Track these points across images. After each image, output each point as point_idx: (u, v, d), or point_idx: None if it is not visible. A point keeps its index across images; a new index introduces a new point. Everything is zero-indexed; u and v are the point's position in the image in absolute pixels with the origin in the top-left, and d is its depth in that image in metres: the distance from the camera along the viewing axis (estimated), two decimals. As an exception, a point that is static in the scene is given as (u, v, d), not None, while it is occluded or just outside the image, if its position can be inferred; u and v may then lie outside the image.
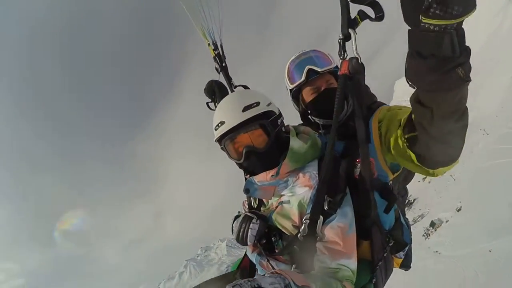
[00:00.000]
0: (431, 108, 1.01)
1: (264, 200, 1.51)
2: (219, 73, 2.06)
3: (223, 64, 2.06)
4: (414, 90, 1.04)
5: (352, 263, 1.21)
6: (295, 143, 1.38)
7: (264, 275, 1.01)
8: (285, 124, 1.52)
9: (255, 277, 0.94)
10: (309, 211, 1.28)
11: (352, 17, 1.14)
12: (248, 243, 1.38)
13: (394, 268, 1.64)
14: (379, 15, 1.13)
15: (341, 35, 1.19)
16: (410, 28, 0.88)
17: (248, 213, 1.43)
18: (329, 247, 1.22)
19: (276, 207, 1.41)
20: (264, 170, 1.38)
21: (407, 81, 1.00)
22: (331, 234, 1.23)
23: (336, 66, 1.63)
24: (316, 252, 1.24)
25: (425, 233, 25.79)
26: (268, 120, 1.35)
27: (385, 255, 1.45)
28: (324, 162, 1.30)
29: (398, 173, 1.56)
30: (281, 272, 0.99)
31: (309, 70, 1.61)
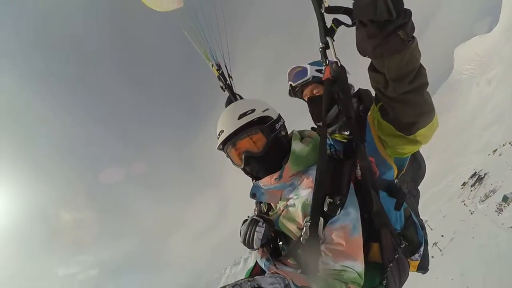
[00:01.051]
0: (383, 73, 1.07)
1: (272, 204, 1.55)
2: (224, 91, 2.18)
3: (227, 82, 2.16)
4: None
5: (357, 265, 1.19)
6: (297, 146, 1.42)
7: (264, 275, 1.01)
8: (291, 130, 1.57)
9: (255, 277, 0.94)
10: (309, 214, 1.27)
11: (329, 26, 1.21)
12: (254, 246, 1.40)
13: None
14: (355, 21, 1.15)
15: (320, 44, 1.25)
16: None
17: (255, 217, 1.48)
18: (332, 249, 1.21)
19: (283, 210, 1.43)
20: (266, 174, 1.42)
21: (358, 51, 1.06)
22: (334, 235, 1.22)
23: (313, 76, 1.76)
24: (320, 255, 1.23)
25: (497, 208, 31.58)
26: (264, 125, 1.39)
27: (396, 256, 1.41)
28: (317, 163, 1.29)
29: (403, 170, 1.59)
30: (281, 272, 1.00)
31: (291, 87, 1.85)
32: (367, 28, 0.94)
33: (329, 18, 1.21)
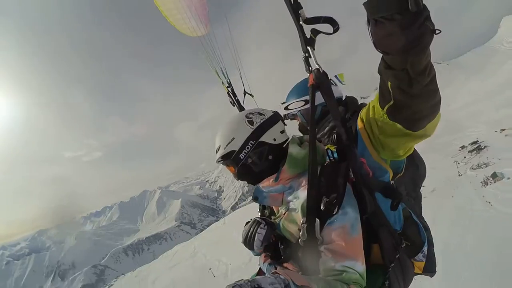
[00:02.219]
0: (405, 69, 1.03)
1: (275, 209, 1.58)
2: (234, 106, 2.32)
3: (236, 98, 2.33)
4: (381, 59, 1.08)
5: (358, 266, 1.19)
6: (293, 150, 1.44)
7: (265, 275, 1.01)
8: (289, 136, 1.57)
9: (255, 278, 0.95)
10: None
11: (308, 37, 1.27)
12: (255, 247, 1.44)
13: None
14: (336, 28, 1.22)
15: (303, 53, 1.33)
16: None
17: (257, 218, 1.52)
18: (332, 249, 1.21)
19: (284, 214, 1.45)
20: (254, 183, 1.53)
21: (378, 50, 1.03)
22: (333, 235, 1.22)
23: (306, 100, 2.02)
24: (320, 256, 1.24)
25: (484, 181, 36.17)
26: (229, 160, 1.48)
27: (397, 256, 1.41)
28: (308, 164, 1.30)
29: (400, 173, 1.56)
30: (281, 272, 1.01)
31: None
32: (398, 22, 0.89)
33: (308, 28, 1.29)
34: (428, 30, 0.91)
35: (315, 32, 1.26)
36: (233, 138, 1.47)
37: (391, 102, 1.20)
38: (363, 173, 1.39)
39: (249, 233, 1.48)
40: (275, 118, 1.53)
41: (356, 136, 1.48)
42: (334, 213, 1.23)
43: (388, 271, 1.38)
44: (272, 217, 1.60)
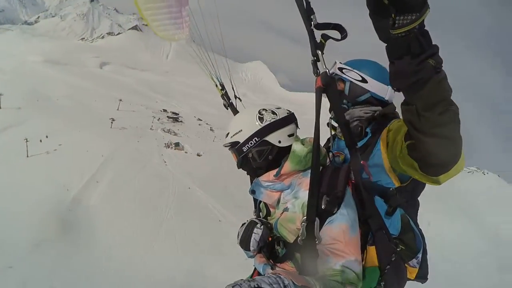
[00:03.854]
0: (415, 105, 1.11)
1: (271, 209, 1.59)
2: (227, 109, 2.37)
3: (230, 101, 2.38)
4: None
5: (356, 266, 1.22)
6: (297, 147, 1.46)
7: (264, 275, 1.02)
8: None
9: (255, 278, 0.96)
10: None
11: (318, 41, 1.32)
12: (251, 248, 1.43)
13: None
14: (343, 35, 1.30)
15: (312, 57, 1.35)
16: (385, 44, 1.05)
17: (253, 219, 1.53)
18: (330, 249, 1.23)
19: (281, 214, 1.45)
20: (252, 176, 1.61)
21: (393, 88, 1.21)
22: (332, 235, 1.24)
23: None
24: (318, 255, 1.26)
25: (167, 144, 56.22)
26: (234, 147, 1.54)
27: (393, 259, 1.43)
28: (311, 164, 1.33)
29: (406, 183, 1.59)
30: (281, 272, 1.02)
31: None
32: (404, 60, 1.02)
33: (318, 33, 1.32)
34: (428, 66, 1.01)
35: (325, 37, 1.32)
36: (241, 130, 1.52)
37: (412, 141, 1.26)
38: (363, 176, 1.43)
39: (245, 234, 1.46)
40: (287, 120, 1.54)
41: (375, 141, 1.60)
42: (334, 212, 1.26)
43: (384, 273, 1.41)
44: (268, 217, 1.61)
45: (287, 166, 1.45)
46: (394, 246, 1.47)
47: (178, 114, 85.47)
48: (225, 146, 1.59)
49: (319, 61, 1.34)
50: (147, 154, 50.47)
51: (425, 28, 0.97)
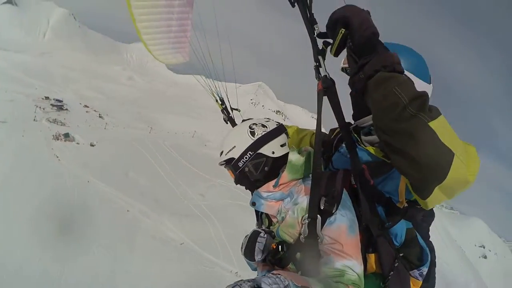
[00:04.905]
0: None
1: (273, 220, 1.60)
2: (227, 123, 2.45)
3: (230, 115, 2.48)
4: None
5: (357, 266, 1.24)
6: (293, 157, 1.50)
7: (264, 275, 1.03)
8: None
9: (255, 277, 0.98)
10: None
11: (320, 48, 1.37)
12: (255, 257, 1.44)
13: None
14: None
15: (314, 62, 1.40)
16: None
17: (256, 229, 1.55)
18: (331, 249, 1.26)
19: (283, 221, 1.48)
20: (252, 190, 1.61)
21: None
22: (332, 235, 1.27)
23: None
24: (320, 255, 1.29)
25: (55, 136, 51.09)
26: (230, 164, 1.58)
27: (396, 265, 1.40)
28: (312, 166, 1.38)
29: (410, 200, 1.42)
30: (281, 272, 1.02)
31: None
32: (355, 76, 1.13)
33: (320, 41, 1.37)
34: (357, 78, 1.12)
35: (327, 44, 1.36)
36: (234, 146, 1.57)
37: None
38: (363, 180, 1.41)
39: (249, 243, 1.47)
40: (278, 131, 1.61)
41: None
42: (333, 211, 1.30)
43: (387, 279, 1.38)
44: (271, 227, 1.62)
45: (285, 175, 1.49)
46: (396, 252, 1.42)
47: (62, 101, 77.30)
48: (221, 165, 1.64)
49: (321, 66, 1.40)
50: (35, 150, 45.99)
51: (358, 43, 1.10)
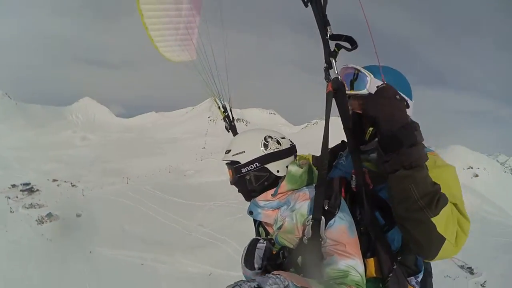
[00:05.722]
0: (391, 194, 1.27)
1: (269, 230, 1.60)
2: (229, 131, 2.44)
3: (232, 124, 2.47)
4: None
5: (359, 265, 1.27)
6: (293, 168, 1.52)
7: (264, 275, 1.03)
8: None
9: (254, 278, 0.97)
10: (310, 215, 1.36)
11: (332, 50, 1.39)
12: (256, 265, 1.40)
13: None
14: (354, 46, 1.36)
15: (325, 64, 1.43)
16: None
17: (254, 237, 1.54)
18: (334, 249, 1.29)
19: (281, 227, 1.49)
20: (244, 197, 1.64)
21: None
22: (334, 236, 1.30)
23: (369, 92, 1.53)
24: (322, 257, 1.31)
25: (38, 219, 49.10)
26: (233, 166, 1.57)
27: (394, 267, 1.42)
28: (320, 166, 1.41)
29: None
30: (281, 273, 1.02)
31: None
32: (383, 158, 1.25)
33: (332, 42, 1.39)
34: (387, 166, 1.22)
35: (339, 46, 1.38)
36: (244, 152, 1.56)
37: None
38: (362, 183, 1.44)
39: (249, 251, 1.44)
40: (289, 152, 1.60)
41: None
42: (336, 213, 1.34)
43: (387, 281, 1.40)
44: (268, 236, 1.62)
45: (284, 185, 1.50)
46: (394, 255, 1.44)
47: (30, 183, 73.55)
48: (224, 161, 1.64)
49: (331, 68, 1.42)
50: (25, 240, 43.29)
51: (385, 142, 1.22)
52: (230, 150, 1.60)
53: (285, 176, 1.52)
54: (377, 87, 1.40)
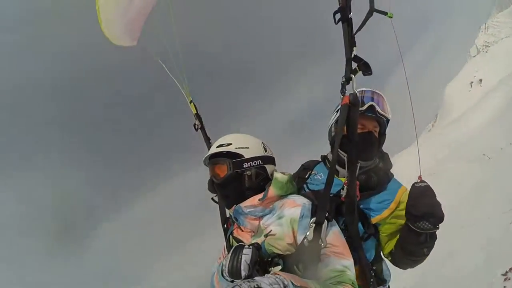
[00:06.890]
0: (401, 244, 1.56)
1: (245, 240, 1.52)
2: (197, 130, 2.20)
3: (203, 125, 2.19)
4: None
5: (353, 266, 1.34)
6: (278, 175, 1.55)
7: (264, 275, 1.04)
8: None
9: (254, 278, 0.97)
10: (310, 220, 1.36)
11: (353, 68, 1.43)
12: (242, 272, 1.23)
13: None
14: (369, 73, 1.40)
15: (343, 79, 1.47)
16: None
17: (238, 244, 1.40)
18: (332, 251, 1.34)
19: (266, 236, 1.43)
20: (225, 202, 1.57)
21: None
22: (331, 239, 1.35)
23: (388, 119, 1.77)
24: (320, 260, 1.32)
25: None
26: (231, 159, 1.48)
27: (373, 274, 1.61)
28: (329, 171, 1.48)
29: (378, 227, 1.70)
30: (280, 273, 1.04)
31: (371, 106, 1.68)
32: (411, 236, 1.50)
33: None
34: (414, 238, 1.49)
35: (361, 68, 1.42)
36: (248, 147, 1.54)
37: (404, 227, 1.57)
38: (354, 193, 1.50)
39: (234, 259, 1.26)
40: (274, 161, 1.66)
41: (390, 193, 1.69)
42: (332, 219, 1.40)
43: (369, 285, 1.59)
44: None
45: (272, 190, 1.48)
46: (369, 264, 1.62)
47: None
48: (217, 152, 1.52)
49: (348, 83, 1.48)
50: None
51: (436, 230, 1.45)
52: (230, 144, 1.52)
53: (271, 182, 1.51)
54: (416, 184, 1.55)
